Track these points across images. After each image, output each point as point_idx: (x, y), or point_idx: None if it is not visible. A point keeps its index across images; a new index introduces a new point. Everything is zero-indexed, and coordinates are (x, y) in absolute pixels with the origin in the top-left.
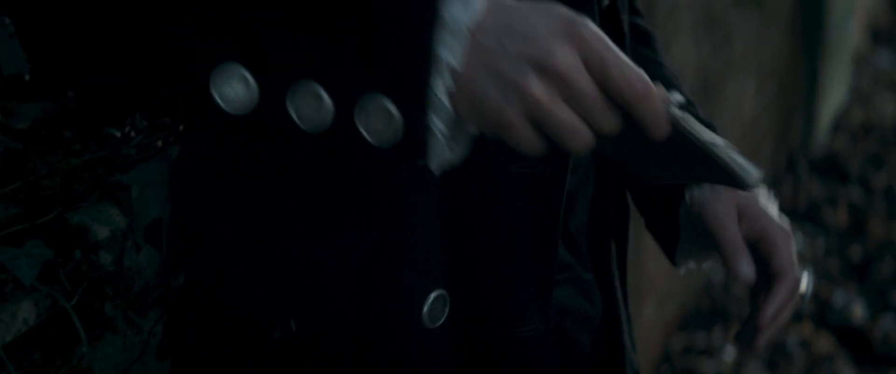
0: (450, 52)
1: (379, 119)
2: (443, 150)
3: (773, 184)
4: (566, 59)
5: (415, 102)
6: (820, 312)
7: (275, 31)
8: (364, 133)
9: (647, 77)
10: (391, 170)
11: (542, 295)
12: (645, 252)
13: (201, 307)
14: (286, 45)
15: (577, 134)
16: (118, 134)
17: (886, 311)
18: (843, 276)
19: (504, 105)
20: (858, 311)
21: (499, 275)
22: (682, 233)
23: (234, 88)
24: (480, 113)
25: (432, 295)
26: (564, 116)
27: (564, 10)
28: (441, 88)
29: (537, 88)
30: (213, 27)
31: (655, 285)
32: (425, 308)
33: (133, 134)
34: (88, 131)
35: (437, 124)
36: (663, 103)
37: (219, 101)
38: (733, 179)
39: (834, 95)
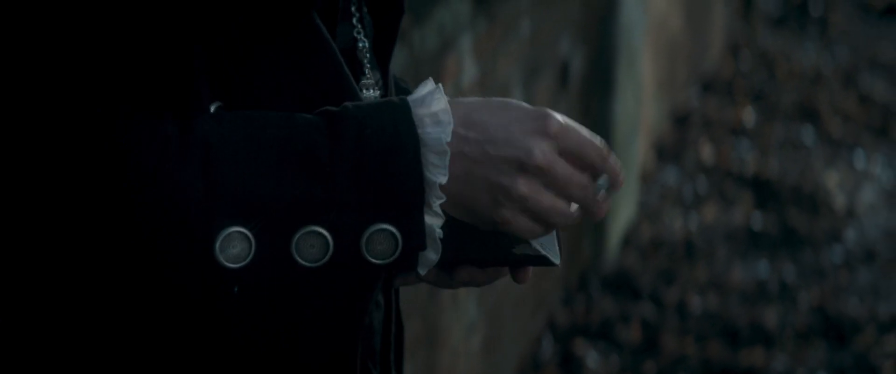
0: (436, 171)
1: (381, 243)
2: (434, 256)
3: (566, 303)
4: (544, 154)
5: (414, 225)
6: None
7: (272, 185)
8: (368, 258)
9: (602, 144)
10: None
11: None
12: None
13: None
14: (285, 198)
15: (562, 214)
16: None
17: None
18: None
19: (497, 207)
20: None
21: None
22: None
23: (238, 248)
24: (476, 215)
25: None
26: (548, 203)
27: (528, 108)
28: (435, 204)
29: (523, 186)
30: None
31: None
32: None
33: None
34: None
35: (435, 234)
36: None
37: (222, 261)
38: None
39: (623, 213)
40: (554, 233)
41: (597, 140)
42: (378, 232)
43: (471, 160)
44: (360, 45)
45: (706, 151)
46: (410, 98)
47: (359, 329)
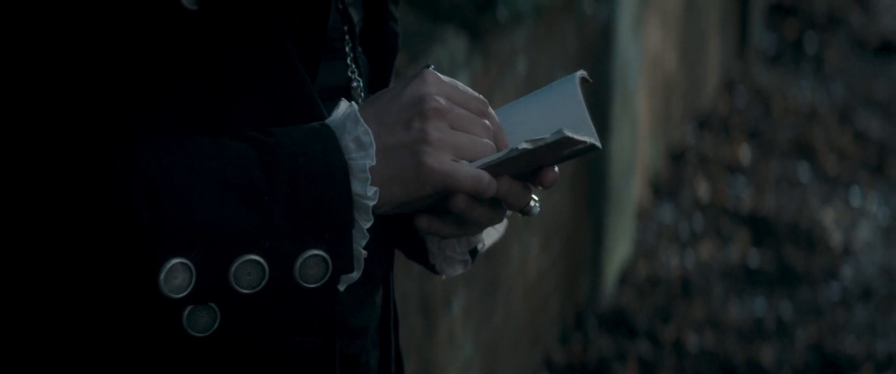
0: (363, 198)
1: (313, 268)
2: (356, 274)
3: (562, 341)
4: (434, 98)
5: (343, 248)
6: None
7: (212, 216)
8: (300, 282)
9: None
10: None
11: None
12: None
13: None
14: (226, 229)
15: (482, 146)
16: None
17: None
18: None
19: (421, 162)
20: None
21: None
22: (426, 240)
23: (180, 279)
24: (410, 187)
25: None
26: (466, 139)
27: (404, 77)
28: (365, 225)
29: (433, 129)
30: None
31: None
32: None
33: None
34: None
35: (360, 254)
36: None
37: (166, 292)
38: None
39: (619, 250)
40: (586, 114)
41: (472, 91)
42: (311, 258)
43: (381, 142)
44: (355, 84)
45: (702, 189)
46: (333, 124)
47: (292, 352)
